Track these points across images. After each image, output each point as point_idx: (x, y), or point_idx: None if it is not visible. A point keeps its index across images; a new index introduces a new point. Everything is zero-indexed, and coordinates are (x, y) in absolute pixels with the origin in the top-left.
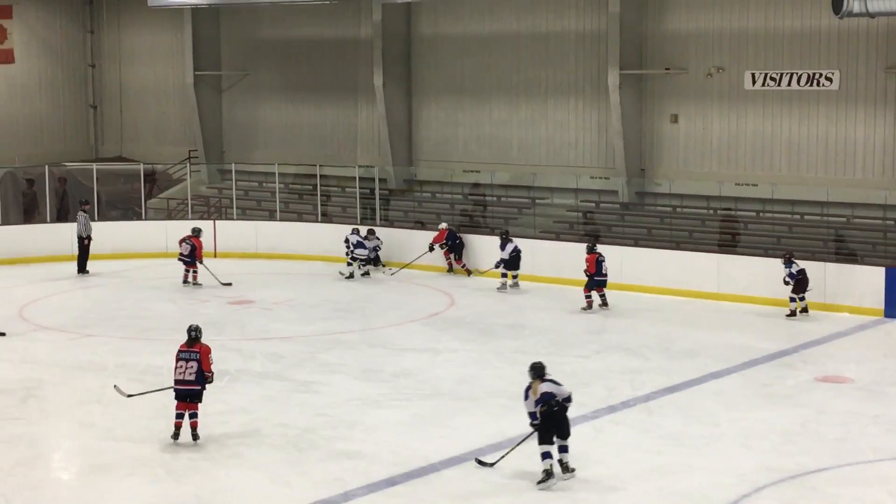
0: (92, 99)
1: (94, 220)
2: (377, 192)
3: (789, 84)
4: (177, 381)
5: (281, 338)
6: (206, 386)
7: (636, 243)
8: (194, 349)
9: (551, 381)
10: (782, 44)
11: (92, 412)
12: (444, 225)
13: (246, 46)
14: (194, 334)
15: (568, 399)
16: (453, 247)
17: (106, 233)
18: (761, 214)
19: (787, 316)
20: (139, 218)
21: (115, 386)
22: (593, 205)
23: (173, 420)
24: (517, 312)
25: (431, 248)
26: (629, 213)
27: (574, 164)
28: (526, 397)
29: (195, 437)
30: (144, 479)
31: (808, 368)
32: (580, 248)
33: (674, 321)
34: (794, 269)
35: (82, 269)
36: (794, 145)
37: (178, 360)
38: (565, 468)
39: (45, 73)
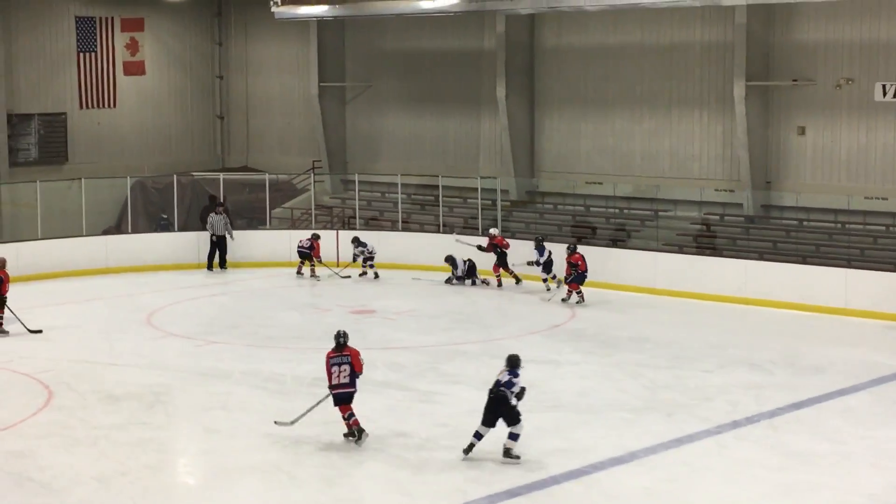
0: (219, 109)
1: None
2: (499, 203)
3: None
4: (333, 387)
5: (402, 347)
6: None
7: (761, 257)
8: (344, 353)
9: (513, 373)
10: None
11: (217, 418)
12: (495, 231)
13: (370, 58)
14: (342, 340)
15: (519, 392)
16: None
17: (231, 242)
18: (891, 229)
19: None
20: (264, 227)
21: (275, 422)
22: (717, 217)
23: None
24: (639, 325)
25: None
26: (754, 226)
27: (698, 177)
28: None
29: (361, 432)
30: (268, 485)
31: None
32: (703, 261)
33: (799, 336)
34: None
35: (222, 264)
36: None
37: (330, 366)
38: (507, 453)
39: (174, 84)
